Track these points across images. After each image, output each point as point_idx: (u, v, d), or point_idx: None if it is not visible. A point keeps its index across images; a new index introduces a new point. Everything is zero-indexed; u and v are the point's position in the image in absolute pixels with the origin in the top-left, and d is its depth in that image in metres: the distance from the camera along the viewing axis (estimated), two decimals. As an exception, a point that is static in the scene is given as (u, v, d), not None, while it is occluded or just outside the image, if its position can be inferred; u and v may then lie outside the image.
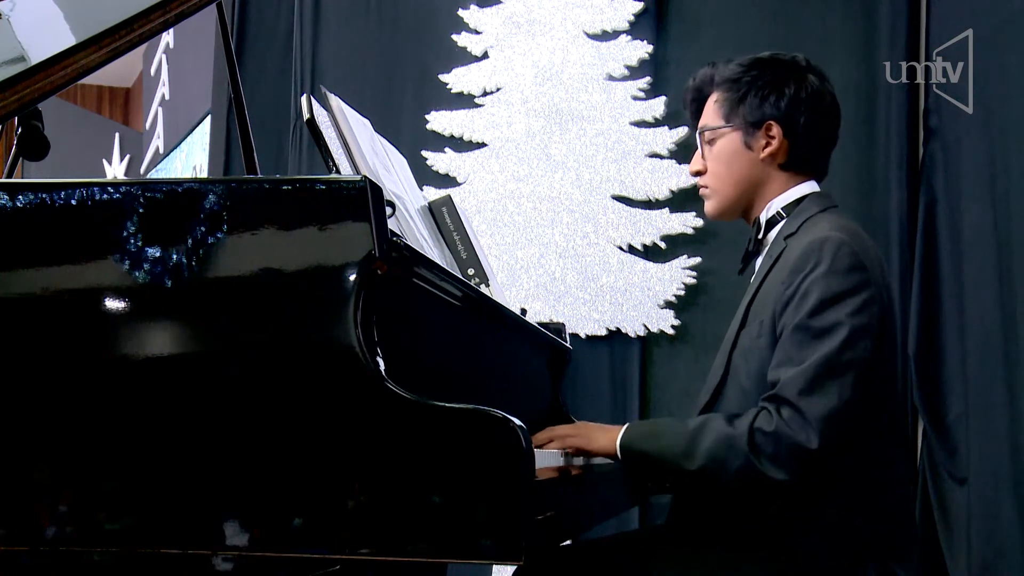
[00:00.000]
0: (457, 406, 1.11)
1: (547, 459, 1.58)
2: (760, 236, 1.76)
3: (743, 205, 1.79)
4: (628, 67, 3.51)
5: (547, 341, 2.21)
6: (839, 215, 1.70)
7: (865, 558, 1.58)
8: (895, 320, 1.66)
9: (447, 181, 3.57)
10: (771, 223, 1.75)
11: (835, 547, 1.57)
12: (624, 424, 1.68)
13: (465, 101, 3.62)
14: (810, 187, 1.76)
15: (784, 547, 1.58)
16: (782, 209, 1.74)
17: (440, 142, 3.62)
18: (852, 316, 1.53)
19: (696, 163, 1.82)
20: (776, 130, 1.72)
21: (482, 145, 3.59)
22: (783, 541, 1.58)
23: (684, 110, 1.92)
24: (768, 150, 1.73)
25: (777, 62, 1.76)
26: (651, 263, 3.44)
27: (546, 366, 2.25)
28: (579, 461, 1.73)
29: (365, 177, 1.18)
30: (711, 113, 1.79)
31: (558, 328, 2.34)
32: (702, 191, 1.82)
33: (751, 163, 1.75)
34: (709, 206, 1.81)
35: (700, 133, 1.80)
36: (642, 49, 3.50)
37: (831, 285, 1.55)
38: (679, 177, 3.42)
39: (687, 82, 1.86)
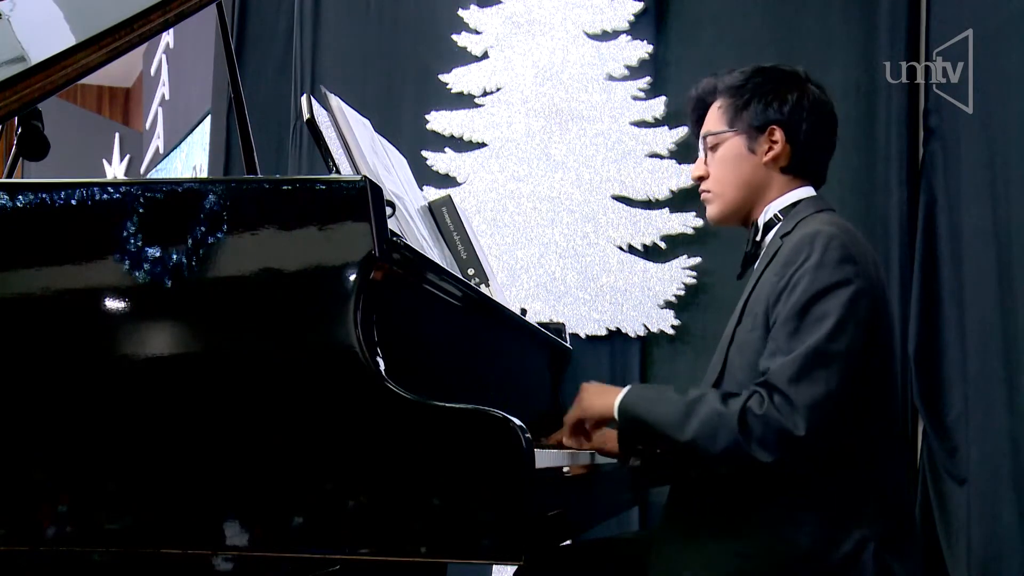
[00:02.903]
0: (457, 406, 1.11)
1: (551, 458, 1.58)
2: (758, 239, 1.78)
3: (745, 209, 1.82)
4: (628, 67, 3.51)
5: (547, 341, 2.21)
6: (834, 215, 1.74)
7: (863, 551, 1.58)
8: (891, 317, 1.70)
9: (447, 181, 3.57)
10: (768, 226, 1.78)
11: (832, 541, 1.57)
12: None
13: (465, 101, 3.62)
14: (807, 191, 1.80)
15: (781, 541, 1.58)
16: (779, 212, 1.78)
17: (440, 142, 3.61)
18: (841, 307, 1.57)
19: (698, 168, 1.85)
20: (779, 134, 1.76)
21: (482, 145, 3.59)
22: (780, 536, 1.58)
23: (686, 118, 1.96)
24: (771, 154, 1.77)
25: (779, 71, 1.81)
26: (651, 263, 3.44)
27: (546, 366, 2.25)
28: (584, 460, 1.73)
29: (365, 177, 1.18)
30: (714, 119, 1.82)
31: (558, 328, 2.34)
32: (704, 196, 1.86)
33: (753, 167, 1.78)
34: (712, 210, 1.85)
35: (703, 138, 1.84)
36: (642, 49, 3.50)
37: (820, 277, 1.59)
38: (679, 177, 3.42)
39: (689, 91, 1.90)
